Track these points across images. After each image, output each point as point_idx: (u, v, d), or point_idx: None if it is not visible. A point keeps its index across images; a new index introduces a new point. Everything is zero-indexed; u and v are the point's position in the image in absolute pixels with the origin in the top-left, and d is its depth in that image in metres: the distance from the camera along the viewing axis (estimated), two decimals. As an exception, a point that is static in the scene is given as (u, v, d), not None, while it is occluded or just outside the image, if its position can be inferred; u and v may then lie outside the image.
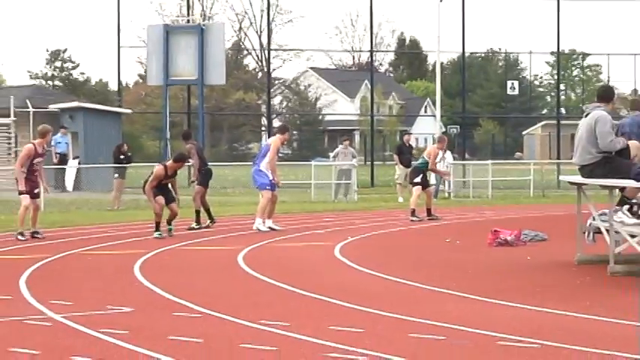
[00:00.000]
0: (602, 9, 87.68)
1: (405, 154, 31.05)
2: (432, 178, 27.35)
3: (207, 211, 20.10)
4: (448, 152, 28.52)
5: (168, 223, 18.28)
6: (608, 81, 51.72)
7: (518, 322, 9.05)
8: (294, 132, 72.10)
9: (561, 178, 25.71)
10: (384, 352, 7.69)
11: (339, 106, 79.15)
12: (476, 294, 10.93)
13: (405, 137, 33.91)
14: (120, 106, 43.21)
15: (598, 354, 7.61)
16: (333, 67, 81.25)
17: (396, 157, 32.17)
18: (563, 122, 46.94)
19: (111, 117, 39.34)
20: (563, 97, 58.22)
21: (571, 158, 14.41)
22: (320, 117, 77.03)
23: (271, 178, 19.25)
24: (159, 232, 17.95)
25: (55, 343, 8.28)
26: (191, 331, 8.73)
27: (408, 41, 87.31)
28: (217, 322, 9.25)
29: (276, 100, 67.70)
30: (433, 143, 24.84)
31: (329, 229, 20.16)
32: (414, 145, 38.69)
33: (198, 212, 19.87)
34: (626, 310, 9.66)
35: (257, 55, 72.12)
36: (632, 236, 12.38)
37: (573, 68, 79.82)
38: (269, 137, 33.56)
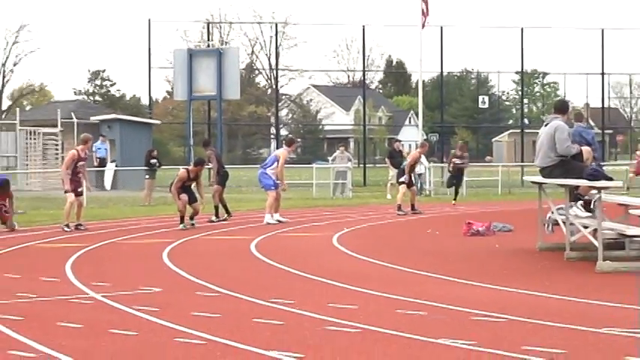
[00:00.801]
0: (560, 35, 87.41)
1: (395, 157, 30.97)
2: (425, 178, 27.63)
3: (225, 206, 20.29)
4: (423, 157, 28.55)
5: (191, 218, 18.34)
6: (564, 96, 51.66)
7: (488, 300, 9.08)
8: (299, 139, 72.08)
9: (525, 178, 25.69)
10: (374, 325, 7.73)
11: (336, 118, 79.05)
12: (452, 276, 10.96)
13: (395, 144, 33.89)
14: (150, 118, 43.14)
15: (557, 327, 7.64)
16: (331, 84, 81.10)
17: (388, 160, 32.14)
18: (526, 131, 46.91)
19: (143, 127, 39.31)
20: (526, 110, 58.15)
21: (533, 161, 14.43)
22: (320, 127, 76.93)
23: (275, 180, 19.51)
24: (183, 225, 18.02)
25: (95, 319, 8.31)
26: (211, 307, 8.76)
27: (394, 62, 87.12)
28: (233, 300, 9.28)
29: (282, 113, 67.58)
30: (416, 148, 24.91)
31: (328, 221, 20.17)
32: (403, 149, 38.70)
33: (216, 208, 20.04)
34: (580, 289, 9.70)
35: (267, 75, 72.04)
36: (585, 227, 12.40)
37: (535, 85, 79.72)
38: (277, 143, 33.65)
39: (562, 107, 13.72)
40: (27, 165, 36.10)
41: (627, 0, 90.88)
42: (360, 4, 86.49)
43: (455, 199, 26.08)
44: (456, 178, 27.46)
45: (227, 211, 20.40)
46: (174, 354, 6.77)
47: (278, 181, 19.64)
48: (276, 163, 19.76)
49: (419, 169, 32.49)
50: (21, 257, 13.59)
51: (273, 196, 19.40)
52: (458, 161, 27.41)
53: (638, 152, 35.38)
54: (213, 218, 19.90)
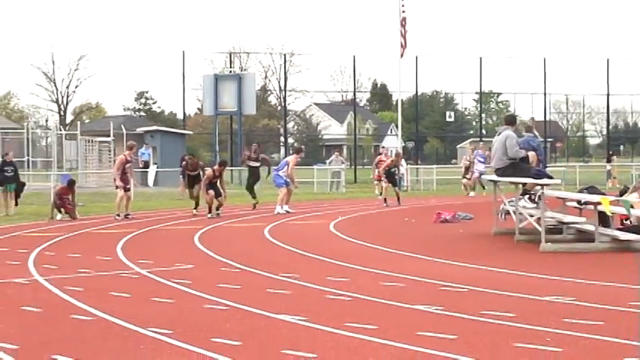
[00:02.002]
0: (510, 63, 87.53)
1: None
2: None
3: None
4: (403, 161, 28.62)
5: (217, 209, 18.34)
6: (514, 111, 51.74)
7: (454, 274, 9.08)
8: (303, 146, 72.07)
9: (483, 177, 25.66)
10: (363, 294, 7.74)
11: (332, 129, 78.79)
12: (425, 255, 10.97)
13: (382, 150, 33.96)
14: (184, 129, 43.05)
15: (508, 295, 7.65)
16: (329, 102, 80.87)
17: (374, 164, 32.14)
18: (483, 139, 46.86)
19: (178, 136, 39.22)
20: (483, 123, 58.03)
21: (489, 163, 14.43)
22: (319, 136, 76.76)
23: (286, 180, 19.58)
24: (210, 214, 18.03)
25: (140, 289, 8.32)
26: (233, 280, 8.77)
27: (379, 85, 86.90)
28: (250, 275, 9.29)
29: (289, 125, 67.43)
30: (395, 155, 25.00)
31: (326, 212, 20.14)
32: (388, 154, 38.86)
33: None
34: (527, 266, 9.70)
35: (277, 95, 71.76)
36: (531, 216, 12.42)
37: (490, 103, 79.59)
38: (285, 149, 33.72)
39: (511, 120, 13.98)
40: (86, 167, 36.10)
41: (566, 33, 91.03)
42: (352, 38, 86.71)
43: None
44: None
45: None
46: (203, 317, 6.78)
47: (288, 180, 19.70)
48: (286, 167, 19.87)
49: (401, 170, 32.58)
50: (81, 240, 13.60)
51: (284, 192, 19.49)
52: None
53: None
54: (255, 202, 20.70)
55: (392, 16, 37.81)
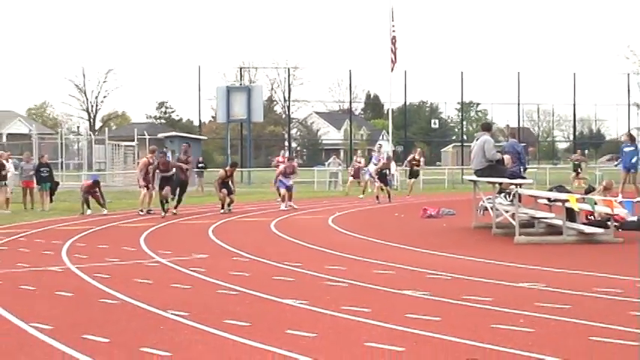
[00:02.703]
0: (489, 75, 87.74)
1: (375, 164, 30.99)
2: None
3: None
4: (393, 163, 28.67)
5: (228, 205, 18.36)
6: (491, 119, 51.77)
7: (438, 263, 9.08)
8: (304, 150, 72.11)
9: (464, 177, 25.65)
10: (358, 281, 7.74)
11: (331, 135, 78.68)
12: (413, 246, 10.97)
13: (375, 151, 34.06)
14: (200, 135, 43.09)
15: (486, 282, 7.65)
16: (327, 111, 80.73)
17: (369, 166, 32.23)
18: (464, 144, 46.97)
19: (194, 141, 39.06)
20: (464, 129, 58.00)
21: (470, 165, 14.45)
22: (319, 141, 76.78)
23: (284, 181, 19.58)
24: (222, 210, 18.05)
25: (162, 276, 8.32)
26: (243, 269, 8.77)
27: (372, 95, 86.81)
28: (259, 264, 9.29)
29: (293, 131, 67.48)
30: (386, 159, 25.20)
31: (324, 207, 20.15)
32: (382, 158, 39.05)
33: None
34: (503, 256, 9.70)
35: (282, 104, 71.71)
36: (506, 211, 12.44)
37: (471, 111, 79.48)
38: (289, 153, 33.77)
39: (488, 127, 14.12)
40: (112, 168, 36.18)
41: (537, 50, 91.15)
42: (348, 54, 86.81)
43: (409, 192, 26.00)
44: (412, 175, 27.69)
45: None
46: (216, 301, 6.78)
47: (289, 183, 19.71)
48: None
49: (392, 171, 32.59)
50: (109, 233, 13.60)
51: (284, 191, 19.49)
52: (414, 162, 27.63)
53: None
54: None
55: (384, 34, 37.90)
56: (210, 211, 18.63)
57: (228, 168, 19.32)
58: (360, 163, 29.37)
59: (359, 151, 34.87)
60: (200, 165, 29.58)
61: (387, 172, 23.45)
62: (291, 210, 18.76)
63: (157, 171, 18.21)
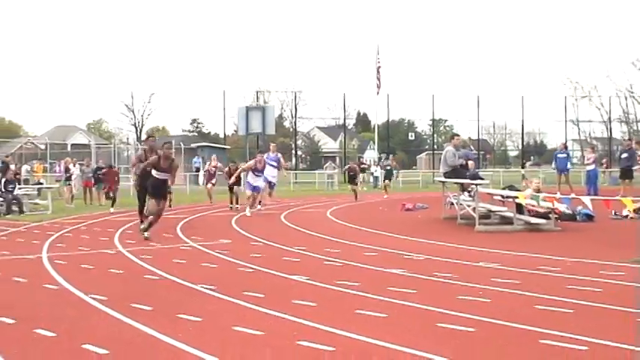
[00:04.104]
0: (454, 97, 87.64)
1: (364, 169, 31.11)
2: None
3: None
4: (378, 167, 28.72)
5: (235, 202, 17.05)
6: (456, 132, 51.76)
7: (413, 247, 9.06)
8: (308, 157, 72.02)
9: (435, 178, 25.62)
10: (351, 261, 7.73)
11: (329, 145, 78.53)
12: (394, 233, 10.95)
13: (362, 159, 34.09)
14: (224, 145, 43.08)
15: (452, 262, 7.64)
16: (326, 126, 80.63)
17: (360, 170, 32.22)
18: (435, 152, 46.95)
19: (220, 150, 39.16)
20: (435, 141, 57.88)
21: (439, 169, 14.45)
22: (320, 149, 76.74)
23: (251, 182, 15.22)
24: (232, 206, 17.81)
25: (193, 257, 8.31)
26: (258, 251, 8.75)
27: (362, 113, 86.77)
28: (271, 247, 9.27)
29: (298, 142, 67.39)
30: (376, 164, 25.34)
31: (324, 203, 20.12)
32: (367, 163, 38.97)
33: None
34: (466, 241, 9.67)
35: (290, 120, 71.74)
36: (468, 205, 12.42)
37: (440, 126, 79.44)
38: (295, 160, 33.85)
39: (452, 137, 14.14)
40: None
41: (494, 75, 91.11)
42: (343, 80, 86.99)
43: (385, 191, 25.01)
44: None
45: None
46: (238, 276, 6.78)
47: (253, 180, 15.27)
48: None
49: (375, 173, 32.66)
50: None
51: (250, 193, 15.28)
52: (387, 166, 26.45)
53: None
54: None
55: (371, 65, 38.61)
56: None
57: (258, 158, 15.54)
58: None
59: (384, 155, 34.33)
60: (226, 169, 29.26)
61: (355, 174, 22.18)
62: (298, 202, 18.09)
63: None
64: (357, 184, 21.91)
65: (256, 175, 15.19)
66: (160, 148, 10.58)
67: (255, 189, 15.24)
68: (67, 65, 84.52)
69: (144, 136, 15.36)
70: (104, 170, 19.15)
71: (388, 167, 26.01)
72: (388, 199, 22.07)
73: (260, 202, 15.98)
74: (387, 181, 24.96)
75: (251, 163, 15.38)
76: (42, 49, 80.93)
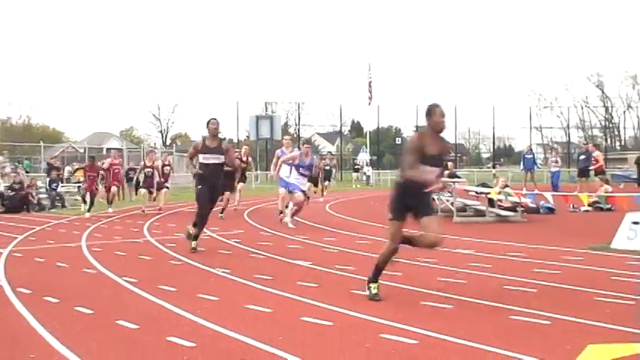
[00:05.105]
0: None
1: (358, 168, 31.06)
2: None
3: None
4: (370, 167, 28.60)
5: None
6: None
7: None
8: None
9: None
10: (345, 248, 7.72)
11: (327, 149, 78.47)
12: (383, 224, 10.85)
13: (357, 161, 34.01)
14: (237, 148, 43.08)
15: (439, 251, 7.61)
16: (325, 132, 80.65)
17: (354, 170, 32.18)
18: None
19: (235, 153, 39.35)
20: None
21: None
22: (319, 152, 76.66)
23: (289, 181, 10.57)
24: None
25: (211, 245, 8.27)
26: (267, 240, 8.72)
27: (356, 121, 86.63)
28: (278, 237, 9.22)
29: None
30: (366, 165, 25.03)
31: (324, 197, 20.09)
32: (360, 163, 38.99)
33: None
34: (446, 231, 9.52)
35: (294, 127, 71.72)
36: (447, 200, 12.38)
37: (423, 132, 79.36)
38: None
39: None
40: (177, 171, 36.10)
41: (468, 88, 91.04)
42: (340, 93, 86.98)
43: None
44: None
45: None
46: (249, 262, 6.76)
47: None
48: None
49: (368, 172, 32.64)
50: (175, 216, 13.53)
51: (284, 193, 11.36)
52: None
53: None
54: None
55: (364, 80, 38.65)
56: (244, 201, 18.60)
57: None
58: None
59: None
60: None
61: (319, 173, 17.69)
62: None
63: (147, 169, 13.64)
64: (320, 185, 17.87)
65: (301, 174, 10.19)
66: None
67: (295, 189, 10.22)
68: (103, 80, 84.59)
69: (205, 127, 7.94)
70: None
71: (327, 167, 20.96)
72: (378, 195, 22.06)
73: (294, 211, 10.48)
74: (326, 182, 19.65)
75: (296, 153, 10.38)
76: (83, 66, 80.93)
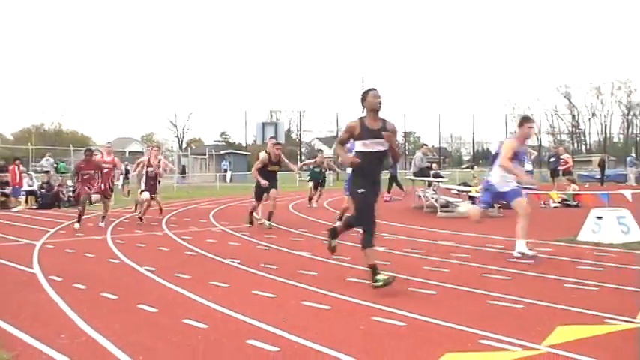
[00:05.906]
0: (421, 116, 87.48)
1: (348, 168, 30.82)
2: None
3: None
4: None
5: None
6: (423, 142, 51.76)
7: (391, 229, 8.99)
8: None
9: (406, 177, 25.56)
10: (342, 240, 7.64)
11: (326, 152, 78.26)
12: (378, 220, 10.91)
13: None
14: (246, 152, 43.01)
15: (420, 241, 7.61)
16: (324, 137, 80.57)
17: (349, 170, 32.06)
18: (407, 158, 46.83)
19: (242, 156, 39.22)
20: (407, 149, 57.86)
21: (410, 170, 14.40)
22: (318, 155, 76.60)
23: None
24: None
25: (222, 237, 8.27)
26: (272, 233, 8.70)
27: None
28: (282, 230, 9.19)
29: (303, 149, 67.29)
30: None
31: (324, 195, 20.05)
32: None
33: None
34: (430, 225, 9.63)
35: (296, 133, 71.69)
36: (432, 198, 12.38)
37: (411, 138, 79.36)
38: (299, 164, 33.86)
39: (421, 147, 14.07)
40: (192, 172, 36.11)
41: (451, 98, 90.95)
42: (337, 102, 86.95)
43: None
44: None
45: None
46: (256, 253, 6.74)
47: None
48: None
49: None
50: (190, 212, 13.51)
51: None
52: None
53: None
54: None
55: (358, 91, 38.52)
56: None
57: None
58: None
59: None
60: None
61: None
62: (297, 198, 14.51)
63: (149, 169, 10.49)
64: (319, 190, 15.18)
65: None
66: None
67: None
68: (127, 90, 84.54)
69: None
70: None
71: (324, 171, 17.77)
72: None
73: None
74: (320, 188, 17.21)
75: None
76: (108, 78, 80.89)
